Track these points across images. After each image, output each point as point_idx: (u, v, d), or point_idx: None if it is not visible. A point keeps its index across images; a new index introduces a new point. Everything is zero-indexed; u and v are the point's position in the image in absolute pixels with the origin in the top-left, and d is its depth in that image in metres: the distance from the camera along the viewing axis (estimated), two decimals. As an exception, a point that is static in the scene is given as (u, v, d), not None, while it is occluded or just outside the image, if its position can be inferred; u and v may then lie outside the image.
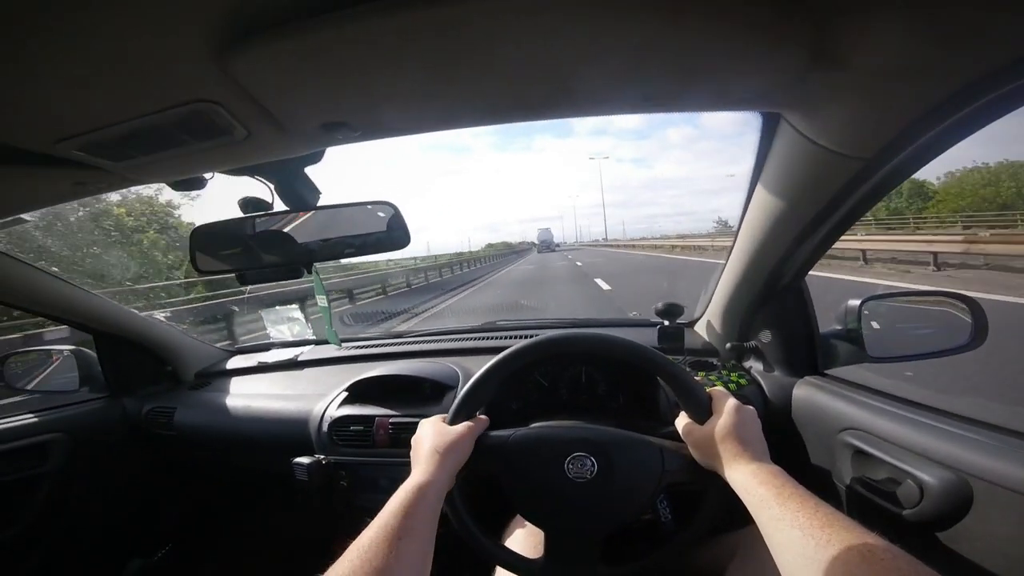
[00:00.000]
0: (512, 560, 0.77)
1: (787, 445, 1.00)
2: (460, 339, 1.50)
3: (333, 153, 0.76)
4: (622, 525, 0.75)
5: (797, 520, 0.52)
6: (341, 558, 0.54)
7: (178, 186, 0.84)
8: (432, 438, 0.73)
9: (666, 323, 1.25)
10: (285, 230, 0.89)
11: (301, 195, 0.85)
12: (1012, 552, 0.61)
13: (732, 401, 0.72)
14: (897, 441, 0.77)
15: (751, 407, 0.72)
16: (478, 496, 0.79)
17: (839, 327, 1.01)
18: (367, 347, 1.55)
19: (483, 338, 1.48)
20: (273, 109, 0.58)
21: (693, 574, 0.87)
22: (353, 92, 0.57)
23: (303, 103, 0.59)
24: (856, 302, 0.98)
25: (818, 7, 0.43)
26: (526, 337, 0.82)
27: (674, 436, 0.77)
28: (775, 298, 1.01)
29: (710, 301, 1.22)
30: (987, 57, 0.44)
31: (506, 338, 1.44)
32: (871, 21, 0.43)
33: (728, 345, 1.16)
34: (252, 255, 0.91)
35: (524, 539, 0.90)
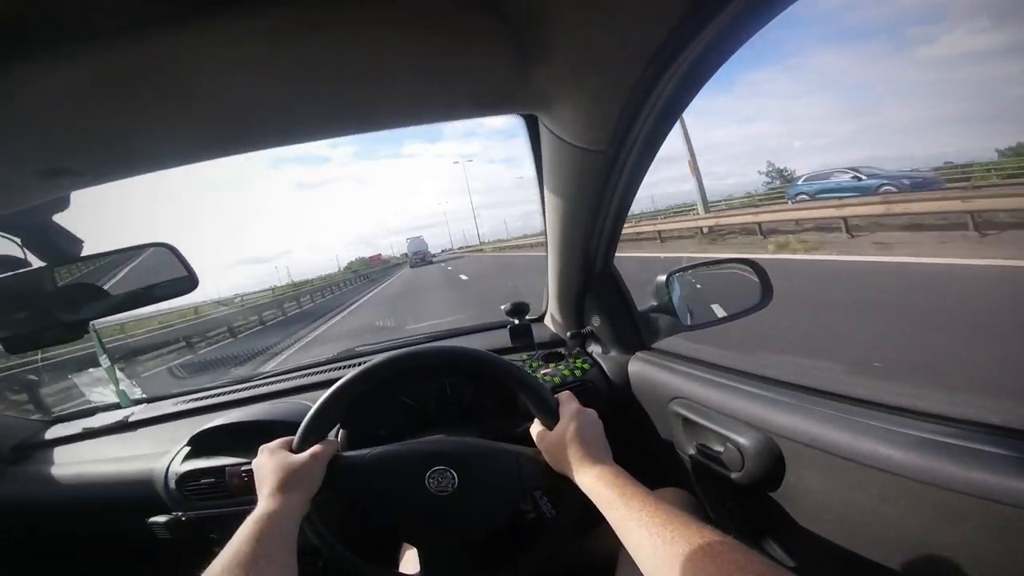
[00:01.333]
0: None
1: (635, 420, 1.07)
2: (313, 374, 1.42)
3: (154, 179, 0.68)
4: (492, 531, 0.75)
5: (641, 519, 0.54)
6: None
7: None
8: (275, 471, 0.71)
9: (516, 322, 1.28)
10: (49, 288, 0.79)
11: (57, 247, 0.76)
12: (824, 503, 0.64)
13: (574, 406, 0.74)
14: (715, 407, 0.82)
15: (592, 411, 0.74)
16: (360, 520, 0.78)
17: (655, 302, 1.09)
18: (207, 398, 1.43)
19: (338, 368, 1.42)
20: None
21: (588, 564, 0.89)
22: (65, 135, 0.51)
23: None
24: (663, 277, 1.07)
25: (510, 7, 0.44)
26: None
27: (528, 439, 0.78)
28: (594, 285, 1.07)
29: (547, 296, 1.27)
30: (656, 31, 0.47)
31: (361, 365, 1.39)
32: (551, 12, 0.45)
33: (569, 334, 1.21)
34: (13, 320, 0.79)
35: (415, 556, 0.88)
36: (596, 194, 0.75)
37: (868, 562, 0.60)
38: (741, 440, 0.74)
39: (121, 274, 0.79)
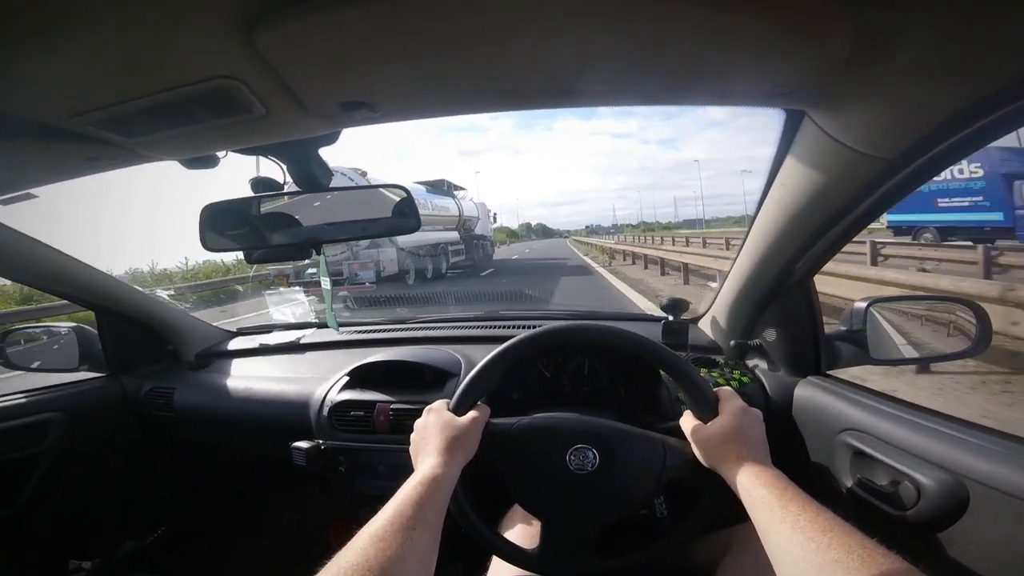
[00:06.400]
0: (509, 550, 0.78)
1: (787, 444, 1.01)
2: (463, 327, 1.50)
3: (345, 138, 0.76)
4: (619, 519, 0.75)
5: (798, 523, 0.52)
6: (352, 544, 0.53)
7: (190, 164, 0.84)
8: (443, 431, 0.72)
9: (671, 318, 1.25)
10: (295, 211, 0.89)
11: (314, 176, 0.85)
12: (1006, 555, 0.61)
13: (740, 403, 0.72)
14: (896, 443, 0.78)
15: (757, 410, 0.72)
16: (477, 485, 0.79)
17: (844, 328, 1.02)
18: (369, 332, 1.55)
19: (486, 327, 1.49)
20: (295, 87, 0.58)
21: (686, 569, 0.87)
22: (377, 71, 0.56)
23: (325, 81, 0.58)
24: (863, 304, 0.98)
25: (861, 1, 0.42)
26: (529, 327, 0.82)
27: (675, 432, 0.77)
28: (782, 296, 1.01)
29: (716, 297, 1.22)
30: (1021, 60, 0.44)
31: (509, 327, 1.44)
32: (914, 15, 0.43)
33: (732, 342, 1.17)
34: (261, 235, 0.91)
35: (522, 529, 0.90)
36: (848, 201, 0.71)
37: None
38: (922, 479, 0.71)
39: (357, 207, 0.87)
